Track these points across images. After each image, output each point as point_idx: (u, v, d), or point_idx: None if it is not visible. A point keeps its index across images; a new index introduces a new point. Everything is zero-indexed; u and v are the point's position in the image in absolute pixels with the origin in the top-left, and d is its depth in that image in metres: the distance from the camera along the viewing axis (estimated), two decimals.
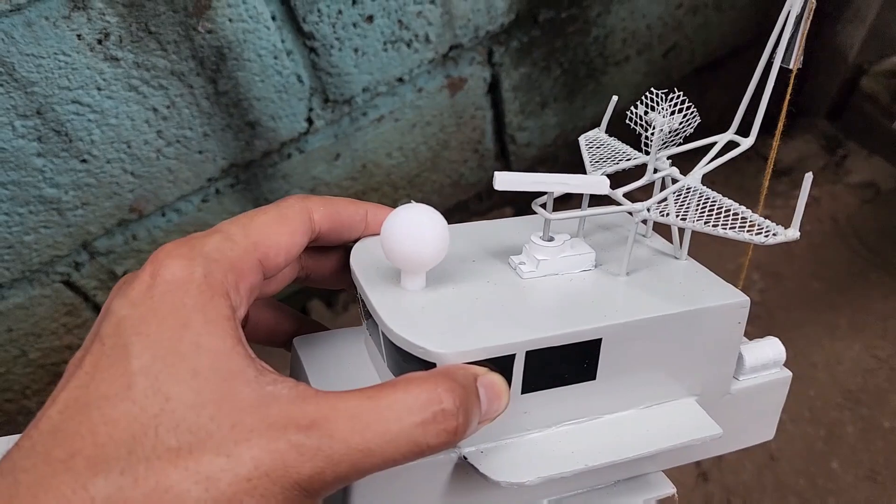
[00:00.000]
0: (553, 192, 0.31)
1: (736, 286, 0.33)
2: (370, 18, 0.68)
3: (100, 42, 0.58)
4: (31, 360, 0.78)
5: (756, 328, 0.88)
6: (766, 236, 0.28)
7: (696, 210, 0.31)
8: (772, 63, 0.29)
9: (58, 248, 0.69)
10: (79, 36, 0.57)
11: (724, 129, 0.33)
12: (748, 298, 0.31)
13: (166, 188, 0.70)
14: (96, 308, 0.78)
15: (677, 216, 0.31)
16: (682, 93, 0.31)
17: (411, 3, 0.69)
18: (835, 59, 1.08)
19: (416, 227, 0.28)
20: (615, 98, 0.36)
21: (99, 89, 0.60)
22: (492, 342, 0.27)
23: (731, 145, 0.32)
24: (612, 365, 0.31)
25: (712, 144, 0.33)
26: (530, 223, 0.35)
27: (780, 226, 0.29)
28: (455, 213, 0.95)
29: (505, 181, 0.29)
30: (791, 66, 0.29)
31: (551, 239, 0.32)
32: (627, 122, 0.32)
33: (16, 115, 0.58)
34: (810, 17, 0.28)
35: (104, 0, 0.57)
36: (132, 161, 0.66)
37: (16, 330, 0.74)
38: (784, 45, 0.29)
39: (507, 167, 0.94)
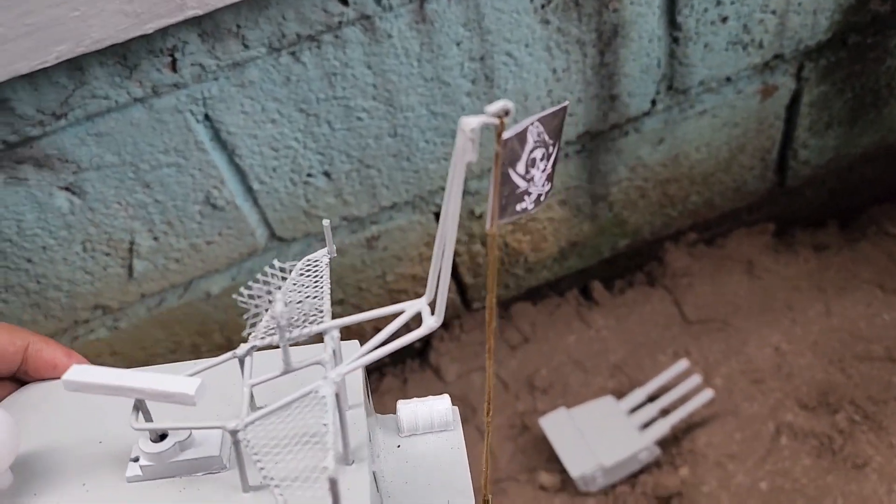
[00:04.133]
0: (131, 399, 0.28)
1: None
2: (724, 19, 0.83)
3: (542, 7, 0.75)
4: (386, 283, 0.93)
5: None
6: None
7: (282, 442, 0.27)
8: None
9: (445, 180, 0.85)
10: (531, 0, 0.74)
11: None
12: None
13: None
14: None
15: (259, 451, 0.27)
16: (309, 263, 0.30)
17: (758, 10, 0.83)
18: None
19: None
20: (326, 222, 0.33)
21: (526, 45, 0.77)
22: None
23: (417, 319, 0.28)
24: None
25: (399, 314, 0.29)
26: (226, 375, 0.30)
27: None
28: (727, 220, 1.06)
29: (78, 374, 0.26)
30: (487, 230, 0.25)
31: (163, 437, 0.28)
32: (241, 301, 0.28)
33: (468, 57, 0.75)
34: (499, 171, 0.24)
35: None
36: (524, 114, 0.82)
37: (388, 250, 0.89)
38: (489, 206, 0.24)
39: (782, 182, 1.05)
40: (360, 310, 0.94)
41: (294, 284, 0.31)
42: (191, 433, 0.29)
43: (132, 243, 0.77)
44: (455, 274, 0.97)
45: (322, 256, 0.32)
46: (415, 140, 0.79)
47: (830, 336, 0.98)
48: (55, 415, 0.31)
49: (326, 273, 0.32)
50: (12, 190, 0.68)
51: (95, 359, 0.86)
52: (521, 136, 0.24)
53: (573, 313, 1.06)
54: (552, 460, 0.92)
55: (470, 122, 0.22)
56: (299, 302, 0.29)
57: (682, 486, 0.89)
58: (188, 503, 0.28)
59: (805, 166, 1.03)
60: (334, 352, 0.29)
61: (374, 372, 1.04)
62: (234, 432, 0.26)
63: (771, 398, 0.94)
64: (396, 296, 0.95)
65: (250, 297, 0.27)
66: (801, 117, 0.97)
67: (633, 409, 0.92)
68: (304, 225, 0.83)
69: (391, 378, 1.04)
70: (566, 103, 0.26)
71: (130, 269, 0.79)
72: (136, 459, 0.29)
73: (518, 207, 0.25)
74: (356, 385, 0.32)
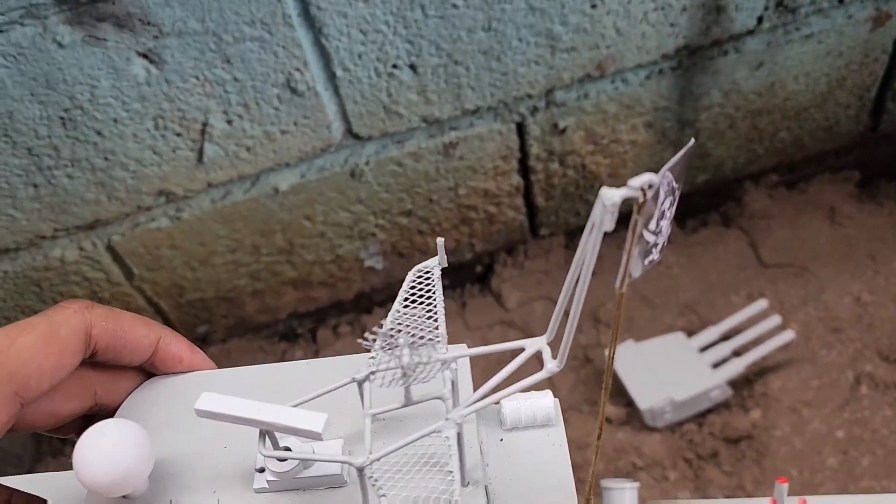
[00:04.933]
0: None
1: None
2: None
3: None
4: (458, 196, 0.89)
5: None
6: None
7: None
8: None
9: (532, 87, 0.80)
10: None
11: None
12: None
13: (632, 52, 0.80)
14: (522, 164, 0.88)
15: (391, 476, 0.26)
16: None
17: None
18: None
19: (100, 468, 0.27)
20: (441, 240, 0.31)
21: None
22: None
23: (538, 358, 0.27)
24: None
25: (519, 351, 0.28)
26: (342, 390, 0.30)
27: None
28: (812, 164, 1.01)
29: (209, 403, 0.27)
30: (618, 290, 0.24)
31: (287, 449, 0.29)
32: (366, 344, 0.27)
33: None
34: (637, 233, 0.23)
35: None
36: (623, 17, 0.76)
37: (464, 159, 0.85)
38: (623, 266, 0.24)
39: (875, 126, 0.99)
40: (429, 224, 0.90)
41: (405, 300, 0.30)
42: (314, 452, 0.29)
43: (205, 124, 0.73)
44: (527, 193, 0.93)
45: (434, 267, 0.32)
46: (508, 37, 0.74)
47: None
48: (181, 415, 0.31)
49: (439, 288, 0.31)
50: (90, 51, 0.64)
51: (154, 251, 0.83)
52: (655, 195, 0.23)
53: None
54: (616, 394, 0.88)
55: (612, 196, 0.21)
56: (414, 337, 0.28)
57: (752, 429, 0.85)
58: None
59: None
60: (453, 383, 0.28)
61: None
62: (360, 469, 0.26)
63: (850, 348, 0.90)
64: (465, 212, 0.91)
65: (373, 340, 0.27)
66: None
67: (705, 348, 0.88)
68: (382, 123, 0.78)
69: (450, 301, 1.00)
70: (692, 143, 0.25)
71: (200, 153, 0.75)
72: (262, 470, 0.29)
73: (647, 262, 0.24)
74: (467, 390, 0.31)
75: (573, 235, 1.00)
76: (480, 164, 0.86)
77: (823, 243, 0.99)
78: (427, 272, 0.31)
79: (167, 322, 0.93)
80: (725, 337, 0.89)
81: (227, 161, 0.77)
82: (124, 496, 0.29)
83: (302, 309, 0.98)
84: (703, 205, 1.02)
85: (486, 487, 0.30)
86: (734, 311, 0.91)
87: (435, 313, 0.30)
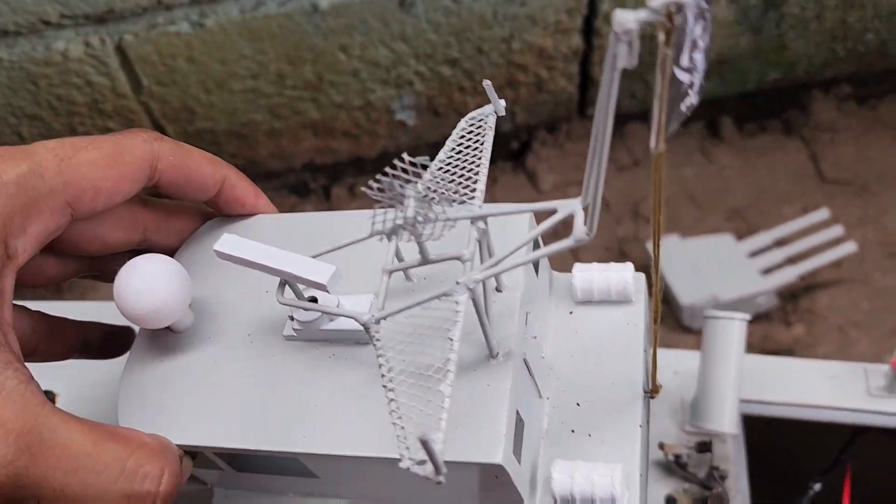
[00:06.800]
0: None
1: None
2: None
3: None
4: (510, 50, 0.80)
5: None
6: None
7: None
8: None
9: None
10: None
11: None
12: (501, 464, 0.24)
13: None
14: (587, 23, 0.79)
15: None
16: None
17: None
18: None
19: (140, 292, 0.27)
20: (488, 83, 0.27)
21: None
22: (183, 440, 0.28)
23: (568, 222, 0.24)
24: (333, 475, 0.29)
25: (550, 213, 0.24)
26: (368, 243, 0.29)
27: None
28: (888, 79, 0.93)
29: (227, 245, 0.27)
30: (653, 150, 0.20)
31: (313, 300, 0.28)
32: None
33: None
34: (668, 72, 0.19)
35: None
36: None
37: (526, 6, 0.76)
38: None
39: None
40: (472, 81, 0.81)
41: (452, 149, 0.27)
42: (339, 304, 0.28)
43: None
44: (585, 61, 0.84)
45: (488, 115, 0.28)
46: None
47: None
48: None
49: (489, 139, 0.27)
50: None
51: (169, 61, 0.74)
52: (683, 20, 0.18)
53: (695, 146, 0.94)
54: (651, 292, 0.81)
55: (626, 20, 0.17)
56: (451, 181, 0.26)
57: (794, 344, 0.79)
58: (332, 371, 0.28)
59: None
60: (479, 244, 0.25)
61: None
62: (366, 326, 0.25)
63: None
64: (514, 72, 0.82)
65: (380, 189, 0.24)
66: None
67: (755, 253, 0.81)
68: None
69: None
70: None
71: None
72: (293, 318, 0.29)
73: (684, 107, 0.20)
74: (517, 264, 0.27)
75: (623, 121, 0.92)
76: (542, 16, 0.77)
77: (889, 164, 0.91)
78: (481, 120, 0.28)
79: None
80: (778, 244, 0.82)
81: None
82: (169, 328, 0.30)
83: (319, 161, 0.89)
84: (766, 108, 0.93)
85: (526, 364, 0.28)
86: (785, 222, 0.84)
87: (477, 167, 0.27)
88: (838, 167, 0.91)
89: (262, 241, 0.27)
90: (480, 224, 0.25)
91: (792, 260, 0.80)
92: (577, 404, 0.29)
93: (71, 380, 0.44)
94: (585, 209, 0.22)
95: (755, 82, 0.90)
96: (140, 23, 0.71)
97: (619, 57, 0.18)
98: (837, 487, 0.47)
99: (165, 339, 0.30)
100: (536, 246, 0.29)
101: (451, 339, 0.23)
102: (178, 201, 0.33)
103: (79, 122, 0.78)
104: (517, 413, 0.26)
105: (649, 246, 0.81)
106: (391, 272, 0.26)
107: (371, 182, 0.24)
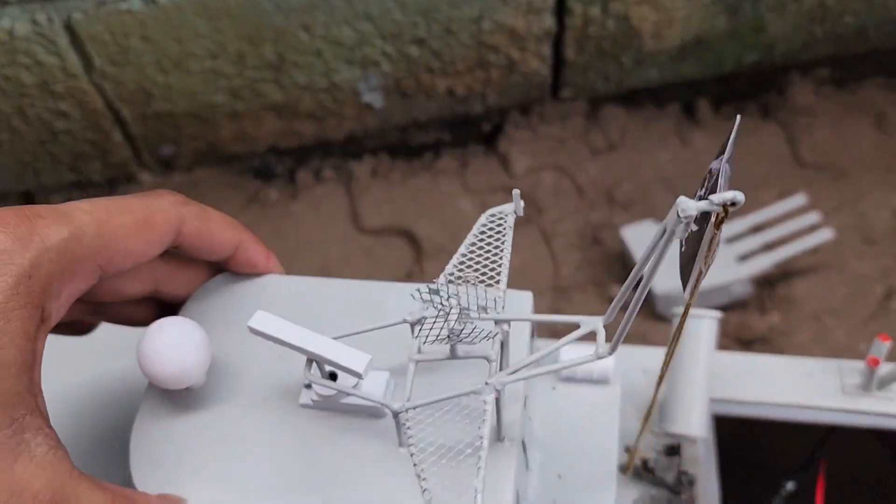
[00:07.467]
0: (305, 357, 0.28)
1: None
2: None
3: None
4: (480, 30, 0.77)
5: None
6: None
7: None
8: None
9: None
10: None
11: None
12: None
13: None
14: (559, 2, 0.77)
15: None
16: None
17: None
18: None
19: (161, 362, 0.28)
20: (517, 192, 0.30)
21: None
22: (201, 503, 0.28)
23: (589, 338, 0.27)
24: None
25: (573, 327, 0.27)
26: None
27: None
28: (867, 63, 0.91)
29: (261, 323, 0.27)
30: (686, 299, 0.24)
31: (333, 378, 0.29)
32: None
33: None
34: (713, 248, 0.22)
35: None
36: None
37: None
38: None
39: None
40: (441, 62, 0.79)
41: (472, 244, 0.29)
42: (358, 382, 0.29)
43: None
44: (557, 42, 0.81)
45: (509, 214, 0.30)
46: None
47: None
48: (244, 317, 0.29)
49: (509, 238, 0.29)
50: None
51: (122, 40, 0.70)
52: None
53: (671, 129, 0.92)
54: (626, 278, 0.79)
55: (688, 208, 0.20)
56: (476, 282, 0.28)
57: (769, 333, 0.77)
58: (347, 442, 0.29)
59: None
60: (503, 345, 0.28)
61: (430, 150, 0.89)
62: (395, 413, 0.27)
63: (883, 260, 0.82)
64: (485, 53, 0.79)
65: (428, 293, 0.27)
66: None
67: (731, 239, 0.79)
68: None
69: (449, 159, 0.90)
70: (738, 119, 0.23)
71: None
72: (310, 387, 0.30)
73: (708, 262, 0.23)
74: (521, 350, 0.31)
75: (597, 104, 0.89)
76: None
77: (867, 150, 0.90)
78: (500, 218, 0.30)
79: (127, 135, 0.80)
80: (755, 230, 0.80)
81: None
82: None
83: (283, 144, 0.86)
84: (742, 91, 0.91)
85: (522, 442, 0.30)
86: (762, 207, 0.82)
87: (499, 265, 0.28)
88: (815, 152, 0.90)
89: (274, 303, 0.29)
90: (505, 326, 0.27)
91: (769, 246, 0.78)
92: (559, 476, 0.32)
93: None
94: (606, 327, 0.26)
95: (732, 64, 0.88)
96: (88, 0, 0.67)
97: (677, 234, 0.21)
98: (811, 486, 0.45)
99: (178, 396, 0.31)
100: (534, 328, 0.32)
101: (482, 437, 0.24)
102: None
103: (28, 104, 0.75)
104: (516, 492, 0.28)
105: (623, 232, 0.79)
106: (418, 362, 0.27)
107: (420, 289, 0.27)
